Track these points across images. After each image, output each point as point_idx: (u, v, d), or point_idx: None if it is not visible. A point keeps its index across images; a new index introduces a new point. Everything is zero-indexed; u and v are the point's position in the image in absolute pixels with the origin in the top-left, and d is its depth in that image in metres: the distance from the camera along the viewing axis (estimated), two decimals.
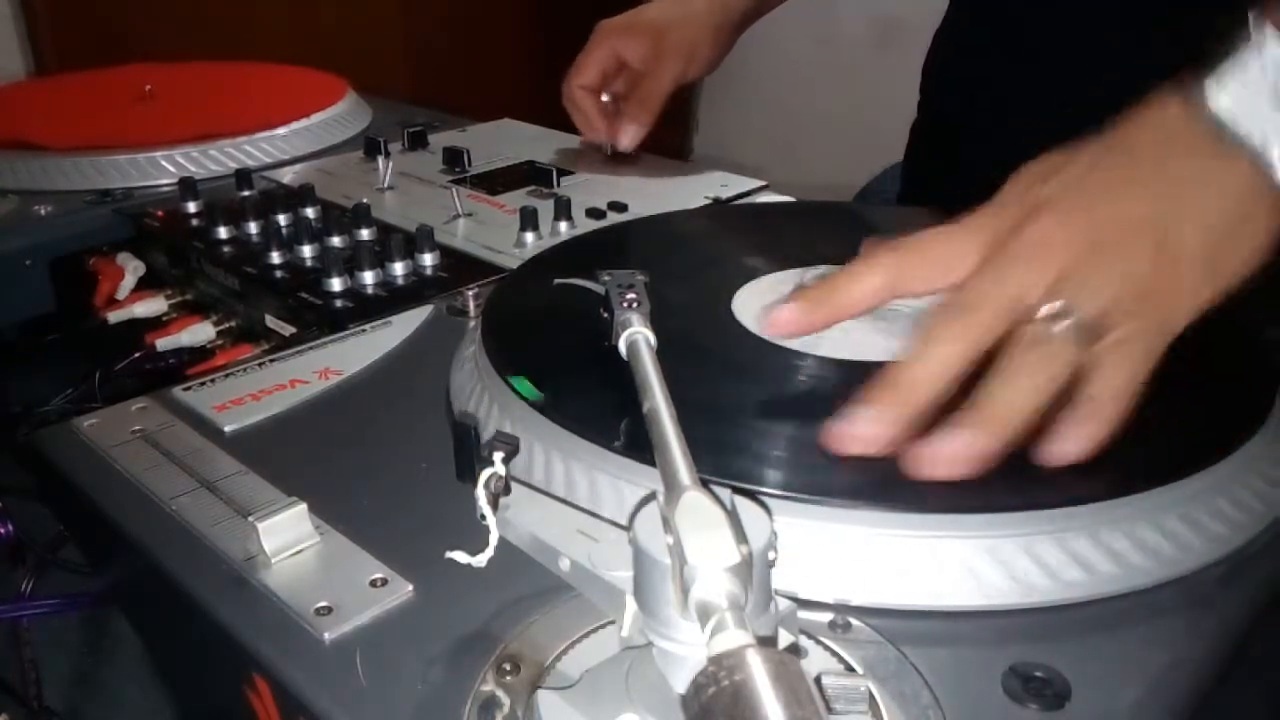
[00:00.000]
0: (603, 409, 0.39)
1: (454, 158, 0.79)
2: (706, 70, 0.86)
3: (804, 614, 0.30)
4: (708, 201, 0.71)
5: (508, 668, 0.29)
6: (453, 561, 0.30)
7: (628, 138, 0.81)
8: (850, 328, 0.45)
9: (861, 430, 0.35)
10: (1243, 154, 0.38)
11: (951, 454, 0.34)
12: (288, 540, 0.35)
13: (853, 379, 0.41)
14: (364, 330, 0.52)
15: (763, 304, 0.47)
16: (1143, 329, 0.36)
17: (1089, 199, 0.39)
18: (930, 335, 0.37)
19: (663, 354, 0.35)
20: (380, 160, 0.78)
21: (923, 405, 0.35)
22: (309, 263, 0.61)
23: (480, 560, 0.29)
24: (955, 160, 0.84)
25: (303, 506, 0.35)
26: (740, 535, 0.23)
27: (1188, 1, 0.50)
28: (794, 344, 0.43)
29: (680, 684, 0.23)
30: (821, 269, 0.51)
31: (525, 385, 0.38)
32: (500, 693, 0.28)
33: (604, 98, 0.85)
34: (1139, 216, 0.38)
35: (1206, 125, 0.39)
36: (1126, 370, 0.36)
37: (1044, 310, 0.36)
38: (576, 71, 0.84)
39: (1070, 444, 0.34)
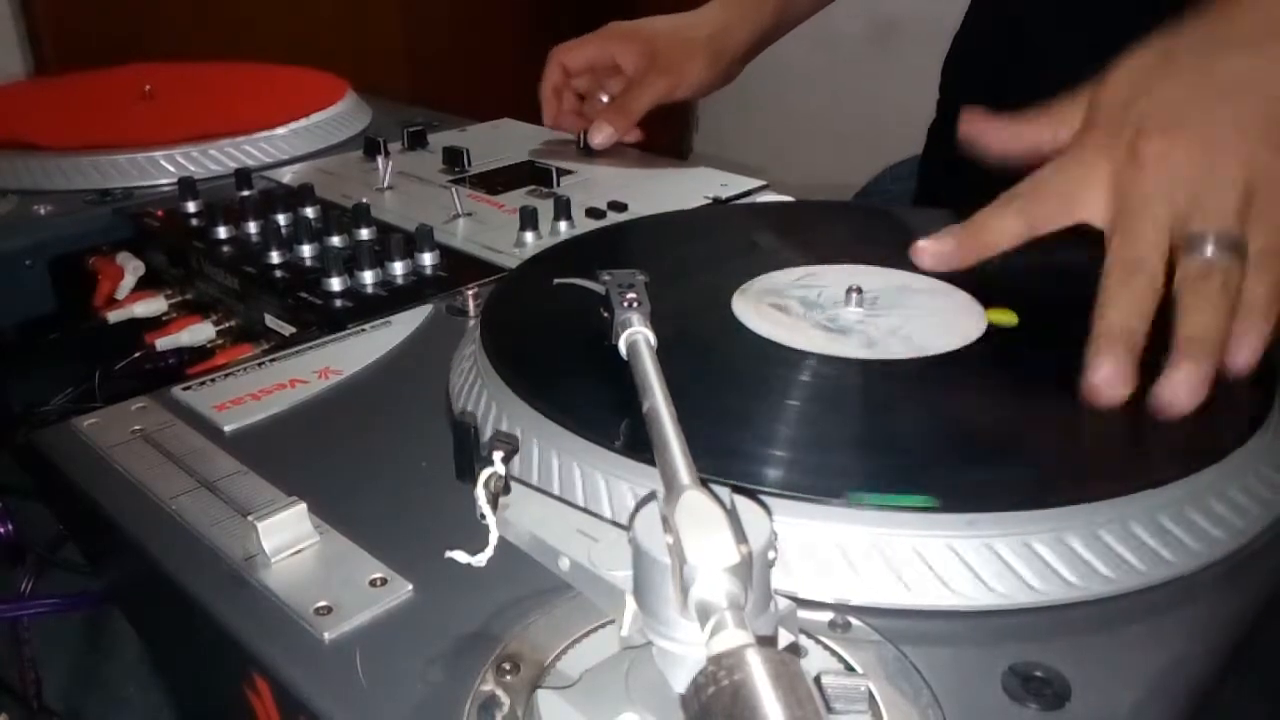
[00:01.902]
0: (603, 409, 0.39)
1: (454, 158, 0.79)
2: (697, 92, 0.88)
3: (804, 614, 0.30)
4: (708, 201, 0.71)
5: (508, 667, 0.29)
6: (453, 561, 0.30)
7: (600, 136, 0.82)
8: (850, 329, 0.45)
9: (1114, 381, 0.38)
10: None
11: (1191, 388, 0.37)
12: (287, 540, 0.35)
13: (852, 378, 0.42)
14: (364, 330, 0.52)
15: (764, 304, 0.47)
16: (1274, 246, 0.39)
17: (1195, 108, 0.41)
18: (1114, 301, 0.40)
19: (663, 354, 0.35)
20: (380, 160, 0.77)
21: (1140, 351, 0.39)
22: (309, 263, 0.61)
23: (480, 560, 0.29)
24: (974, 162, 0.84)
25: (302, 506, 0.35)
26: (740, 535, 0.23)
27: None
28: (794, 344, 0.43)
29: (680, 684, 0.23)
30: (818, 269, 0.51)
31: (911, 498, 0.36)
32: (500, 692, 0.28)
33: (603, 98, 0.86)
34: (1248, 113, 0.40)
35: None
36: (1272, 276, 0.39)
37: (1193, 239, 0.39)
38: (568, 50, 0.87)
39: (1246, 353, 0.38)
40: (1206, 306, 0.38)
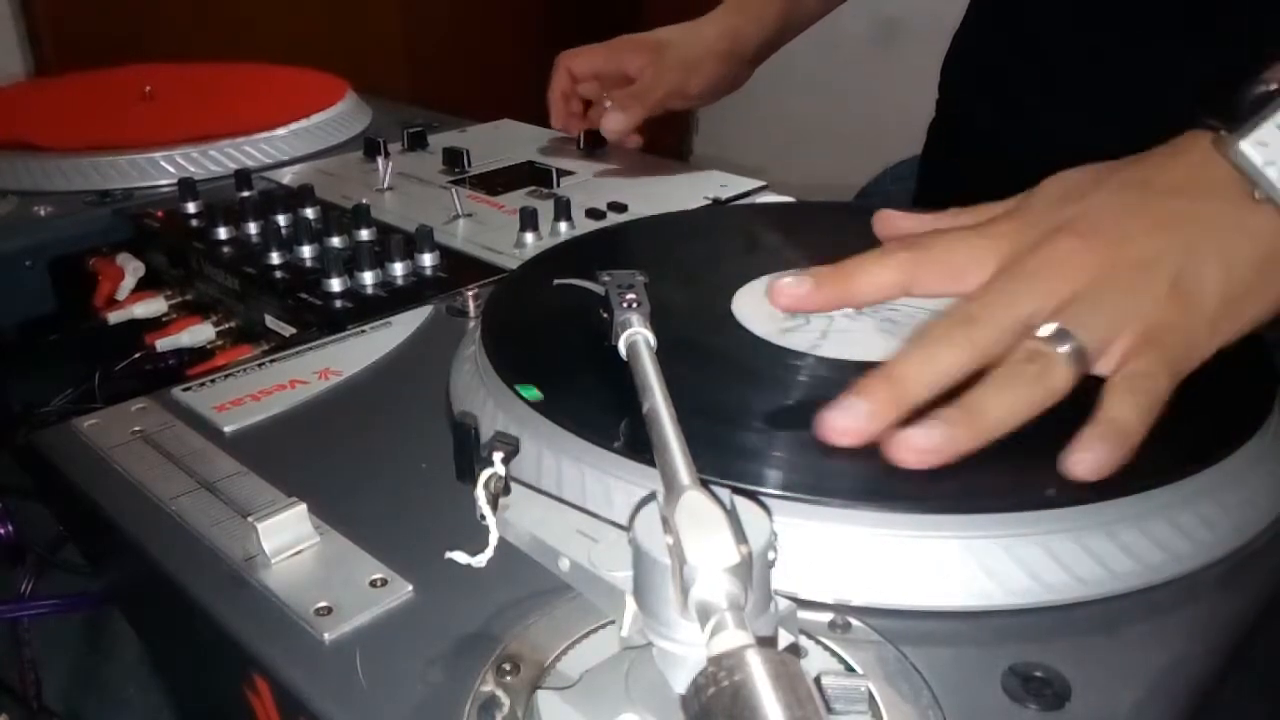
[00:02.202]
0: (603, 409, 0.39)
1: (454, 158, 0.79)
2: (708, 93, 0.88)
3: (804, 614, 0.30)
4: (707, 202, 0.71)
5: (508, 668, 0.29)
6: (453, 561, 0.30)
7: (613, 122, 0.81)
8: (852, 328, 0.45)
9: (847, 423, 0.35)
10: (1273, 203, 0.38)
11: (926, 446, 0.34)
12: (287, 540, 0.35)
13: (852, 380, 0.41)
14: (364, 331, 0.52)
15: (763, 301, 0.47)
16: (1154, 365, 0.36)
17: (1112, 229, 0.39)
18: (931, 340, 0.37)
19: (663, 354, 0.35)
20: (380, 161, 0.78)
21: (912, 406, 0.36)
22: (309, 263, 0.61)
23: (480, 560, 0.29)
24: (972, 162, 0.85)
25: (302, 507, 0.35)
26: (740, 535, 0.23)
27: (1204, 8, 0.50)
28: (793, 344, 0.43)
29: (680, 684, 0.23)
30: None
31: (530, 390, 0.38)
32: (500, 693, 0.28)
33: (607, 104, 0.86)
34: (1160, 253, 0.38)
35: (1237, 170, 0.39)
36: (1142, 404, 0.35)
37: (1046, 330, 0.37)
38: (576, 55, 0.87)
39: (1090, 457, 0.34)
40: (1008, 387, 0.36)
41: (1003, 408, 0.35)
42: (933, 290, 0.41)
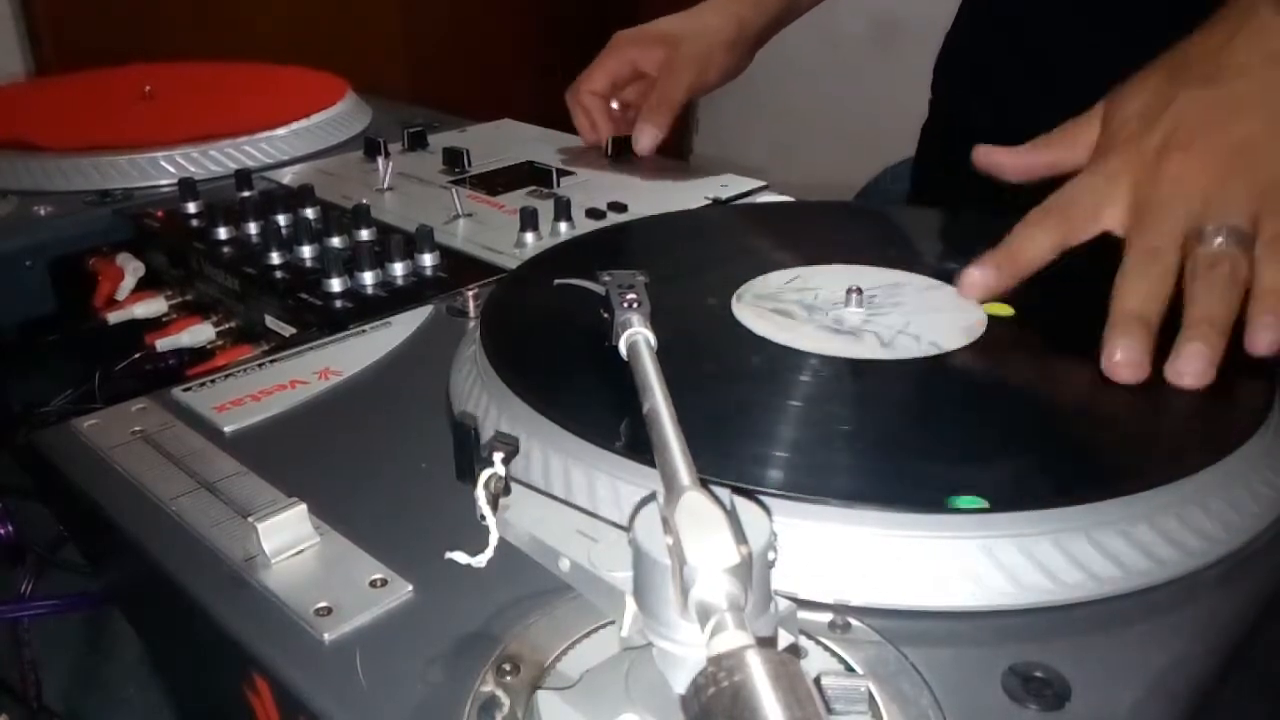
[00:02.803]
0: (603, 409, 0.39)
1: (454, 158, 0.79)
2: (719, 83, 0.87)
3: (804, 614, 0.30)
4: (708, 201, 0.71)
5: (507, 668, 0.29)
6: (453, 562, 0.30)
7: (646, 139, 0.80)
8: (850, 327, 0.45)
9: (1131, 359, 0.40)
10: None
11: (1197, 366, 0.40)
12: (287, 540, 0.35)
13: (851, 378, 0.42)
14: (364, 331, 0.52)
15: (764, 300, 0.47)
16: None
17: (1208, 130, 0.45)
18: (1136, 278, 0.43)
19: (663, 354, 0.35)
20: (380, 160, 0.77)
21: (1156, 334, 0.41)
22: (309, 263, 0.61)
23: (480, 560, 0.29)
24: (965, 161, 0.85)
25: (302, 507, 0.35)
26: (740, 535, 0.23)
27: (1197, 7, 0.50)
28: (794, 344, 0.43)
29: (680, 684, 0.23)
30: (818, 269, 0.51)
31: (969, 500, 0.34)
32: (500, 693, 0.28)
33: (613, 105, 0.85)
34: (1252, 133, 0.44)
35: None
36: None
37: (1205, 233, 0.42)
38: (587, 77, 0.84)
39: (1267, 334, 0.40)
40: (1215, 292, 0.41)
41: (1225, 308, 0.41)
42: (1083, 235, 0.47)
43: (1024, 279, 0.47)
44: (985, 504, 0.33)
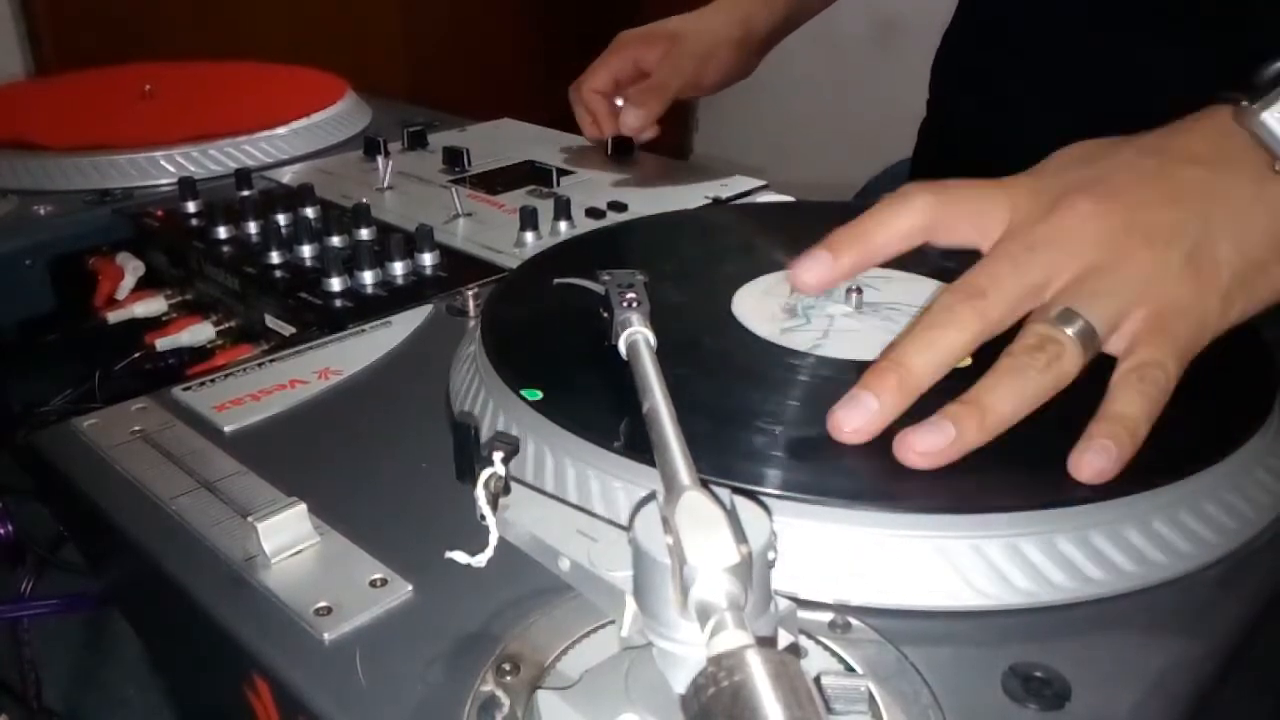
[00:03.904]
0: (603, 409, 0.39)
1: (454, 157, 0.79)
2: (723, 82, 0.87)
3: (804, 614, 0.30)
4: (708, 201, 0.71)
5: (508, 668, 0.29)
6: (453, 561, 0.30)
7: (631, 119, 0.80)
8: (854, 326, 0.45)
9: (859, 422, 0.35)
10: None
11: (933, 448, 0.34)
12: (287, 540, 0.35)
13: (853, 379, 0.41)
14: (364, 330, 0.52)
15: (763, 300, 0.47)
16: (1162, 353, 0.36)
17: (1129, 194, 0.38)
18: (938, 319, 0.36)
19: (662, 354, 0.35)
20: (380, 160, 0.77)
21: (920, 392, 0.35)
22: (309, 263, 0.61)
23: (480, 560, 0.29)
24: (964, 161, 0.85)
25: (302, 506, 0.35)
26: (740, 535, 0.23)
27: (1197, 9, 0.50)
28: (794, 344, 0.43)
29: (680, 684, 0.23)
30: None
31: (533, 392, 0.39)
32: (500, 693, 0.28)
33: (618, 102, 0.85)
34: (1176, 224, 0.37)
35: (1258, 144, 0.38)
36: (1150, 396, 0.35)
37: (1054, 311, 0.36)
38: (590, 75, 0.85)
39: (1101, 460, 0.33)
40: (1017, 378, 0.35)
41: (1012, 401, 0.35)
42: (955, 237, 0.40)
43: (871, 266, 0.40)
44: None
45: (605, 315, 0.39)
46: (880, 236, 0.39)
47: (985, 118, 0.83)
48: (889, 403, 0.35)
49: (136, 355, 0.64)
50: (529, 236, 0.64)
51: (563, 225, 0.65)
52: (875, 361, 0.36)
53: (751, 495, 0.26)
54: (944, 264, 0.52)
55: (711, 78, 0.85)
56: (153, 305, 0.68)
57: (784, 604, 0.26)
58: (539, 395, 0.39)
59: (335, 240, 0.63)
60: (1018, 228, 0.38)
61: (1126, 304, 0.36)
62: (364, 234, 0.64)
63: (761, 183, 0.74)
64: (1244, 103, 0.39)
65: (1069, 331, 0.35)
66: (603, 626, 0.30)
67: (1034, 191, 0.39)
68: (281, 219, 0.67)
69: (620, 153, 0.82)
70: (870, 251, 0.40)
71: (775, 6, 0.89)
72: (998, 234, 0.39)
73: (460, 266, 0.61)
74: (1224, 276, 0.37)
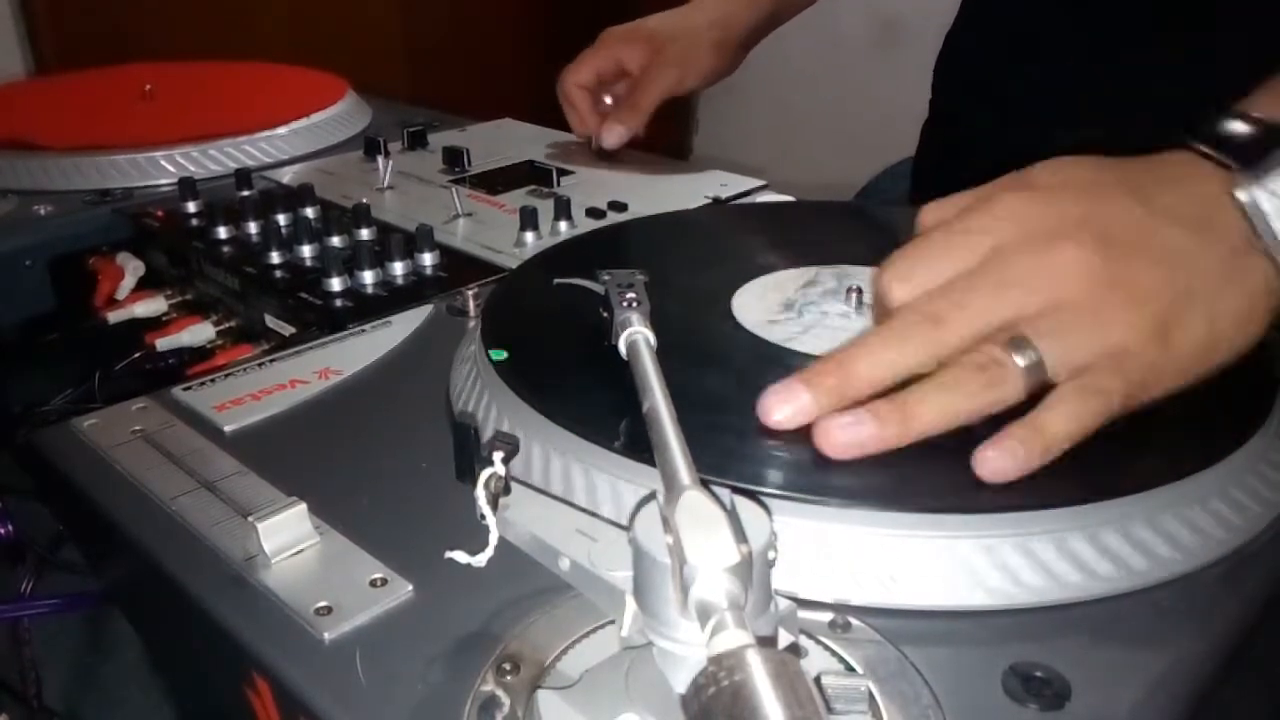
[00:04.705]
0: (603, 409, 0.39)
1: (454, 157, 0.79)
2: (704, 83, 0.87)
3: (804, 614, 0.30)
4: (708, 201, 0.71)
5: (508, 668, 0.29)
6: (453, 561, 0.30)
7: (612, 137, 0.81)
8: (852, 328, 0.45)
9: (787, 410, 0.35)
10: (1271, 253, 0.37)
11: (850, 440, 0.34)
12: (287, 540, 0.35)
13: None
14: (364, 330, 0.52)
15: (762, 300, 0.47)
16: (1113, 384, 0.35)
17: (1116, 248, 0.37)
18: (894, 335, 0.36)
19: (663, 354, 0.35)
20: (380, 160, 0.77)
21: (854, 400, 0.35)
22: (309, 263, 0.61)
23: (480, 560, 0.29)
24: (966, 162, 0.85)
25: (303, 506, 0.35)
26: (740, 535, 0.23)
27: (1196, 10, 0.50)
28: (793, 344, 0.43)
29: (680, 684, 0.23)
30: (818, 270, 0.51)
31: (498, 353, 0.41)
32: (500, 693, 0.28)
33: (607, 100, 0.85)
34: (1155, 290, 0.36)
35: (1240, 213, 0.38)
36: (1083, 418, 0.34)
37: (1012, 336, 0.35)
38: (573, 68, 0.85)
39: (1005, 460, 0.33)
40: (953, 392, 0.35)
41: (938, 411, 0.34)
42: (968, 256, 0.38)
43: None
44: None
45: (605, 315, 0.39)
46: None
47: (988, 119, 0.83)
48: (822, 402, 0.35)
49: (136, 355, 0.64)
50: (529, 236, 0.64)
51: (563, 225, 0.65)
52: (822, 357, 0.36)
53: (751, 495, 0.26)
54: None
55: (692, 81, 0.85)
56: (153, 305, 0.68)
57: (784, 604, 0.26)
58: (504, 355, 0.40)
59: (335, 240, 0.63)
60: (996, 259, 0.37)
61: (1088, 353, 0.36)
62: (364, 234, 0.64)
63: (761, 183, 0.74)
64: (1234, 169, 0.38)
65: (1019, 361, 0.35)
66: (603, 626, 0.30)
67: (1020, 216, 0.38)
68: (281, 219, 0.67)
69: (606, 150, 0.82)
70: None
71: (758, 5, 0.89)
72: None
73: (460, 266, 0.61)
74: (1189, 349, 0.37)
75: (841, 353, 0.36)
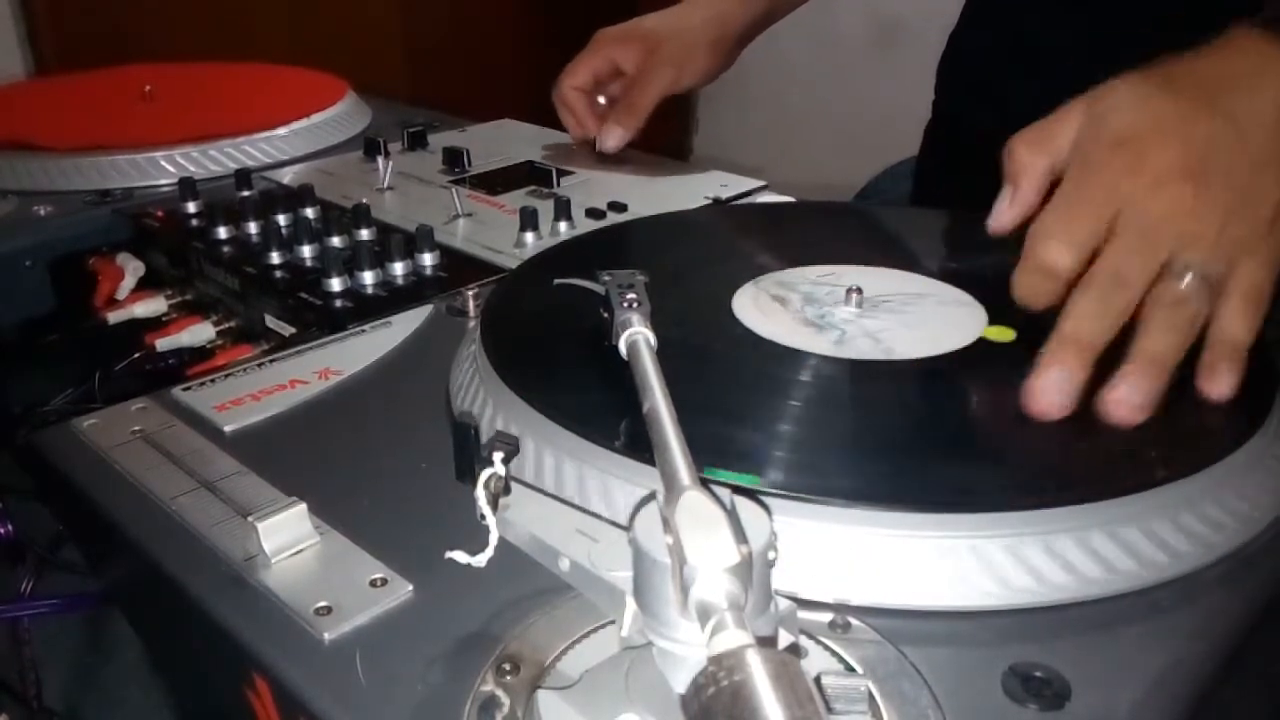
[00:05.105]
0: (603, 409, 0.39)
1: (454, 158, 0.79)
2: (701, 82, 0.87)
3: (804, 614, 0.30)
4: (708, 201, 0.71)
5: (508, 668, 0.29)
6: (453, 561, 0.30)
7: (612, 139, 0.81)
8: (851, 328, 0.45)
9: (1056, 395, 0.39)
10: None
11: (1143, 400, 0.38)
12: (287, 540, 0.35)
13: (851, 378, 0.42)
14: (364, 330, 0.52)
15: (763, 299, 0.47)
16: (1259, 282, 0.41)
17: (1219, 168, 0.42)
18: (1095, 302, 0.40)
19: (663, 354, 0.35)
20: (380, 160, 0.77)
21: (1094, 363, 0.39)
22: (309, 263, 0.61)
23: (480, 560, 0.29)
24: (968, 162, 0.85)
25: (302, 506, 0.35)
26: (740, 535, 0.23)
27: (1197, 8, 0.50)
28: (793, 344, 0.43)
29: (680, 684, 0.23)
30: (819, 269, 0.51)
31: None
32: (500, 693, 0.28)
33: (601, 100, 0.85)
34: (1261, 194, 0.42)
35: None
36: (1249, 316, 0.41)
37: (1177, 268, 0.41)
38: (569, 72, 0.85)
39: (1229, 381, 0.40)
40: (1171, 331, 0.40)
41: (1172, 349, 0.40)
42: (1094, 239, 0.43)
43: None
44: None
45: (605, 315, 0.39)
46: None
47: (991, 119, 0.83)
48: (1076, 375, 0.39)
49: (136, 355, 0.64)
50: (529, 237, 0.64)
51: (563, 225, 0.65)
52: (1050, 345, 0.40)
53: (751, 495, 0.26)
54: (948, 265, 0.53)
55: (688, 79, 0.85)
56: (153, 305, 0.68)
57: (784, 604, 0.26)
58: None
59: (335, 240, 0.63)
60: (1133, 206, 0.42)
61: (1235, 256, 0.41)
62: (364, 234, 0.64)
63: (761, 183, 0.74)
64: None
65: (1199, 290, 0.40)
66: (603, 626, 0.30)
67: (1125, 177, 0.42)
68: (281, 219, 0.67)
69: (604, 152, 0.82)
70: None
71: (753, 1, 0.88)
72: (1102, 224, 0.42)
73: (460, 267, 0.61)
74: None
75: (1066, 328, 0.40)
